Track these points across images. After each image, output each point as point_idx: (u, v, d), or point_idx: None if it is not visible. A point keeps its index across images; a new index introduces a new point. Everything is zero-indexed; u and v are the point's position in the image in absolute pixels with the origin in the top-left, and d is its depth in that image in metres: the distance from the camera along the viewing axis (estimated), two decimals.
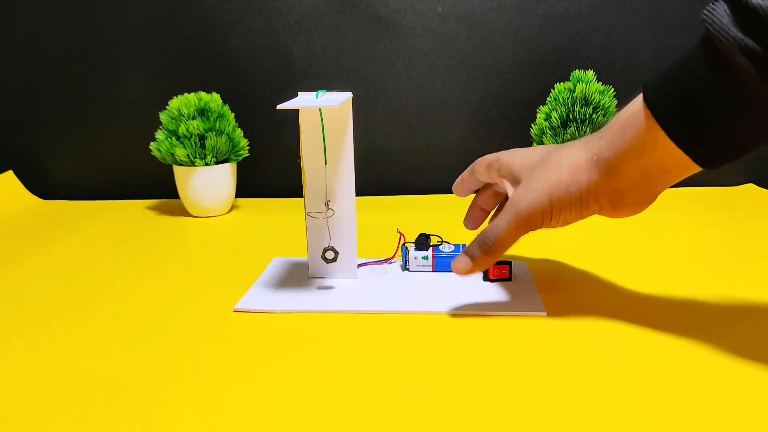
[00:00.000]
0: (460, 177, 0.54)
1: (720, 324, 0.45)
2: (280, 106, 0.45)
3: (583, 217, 0.44)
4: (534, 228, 0.44)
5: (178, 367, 0.40)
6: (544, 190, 0.43)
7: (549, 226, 0.45)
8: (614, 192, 0.42)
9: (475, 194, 0.55)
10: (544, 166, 0.44)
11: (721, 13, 0.35)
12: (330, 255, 0.53)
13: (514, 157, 0.47)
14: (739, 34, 0.34)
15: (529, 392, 0.36)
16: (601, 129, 0.43)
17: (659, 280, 0.54)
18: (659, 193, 0.42)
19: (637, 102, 0.40)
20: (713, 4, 0.36)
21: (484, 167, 0.51)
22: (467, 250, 0.47)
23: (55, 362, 0.41)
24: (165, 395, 0.37)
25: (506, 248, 0.45)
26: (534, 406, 0.35)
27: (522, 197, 0.44)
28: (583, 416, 0.34)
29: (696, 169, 0.39)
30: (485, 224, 0.57)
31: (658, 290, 0.52)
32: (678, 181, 0.41)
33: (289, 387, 0.37)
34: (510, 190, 0.47)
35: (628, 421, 0.33)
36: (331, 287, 0.53)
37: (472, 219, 0.56)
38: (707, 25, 0.35)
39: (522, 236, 0.45)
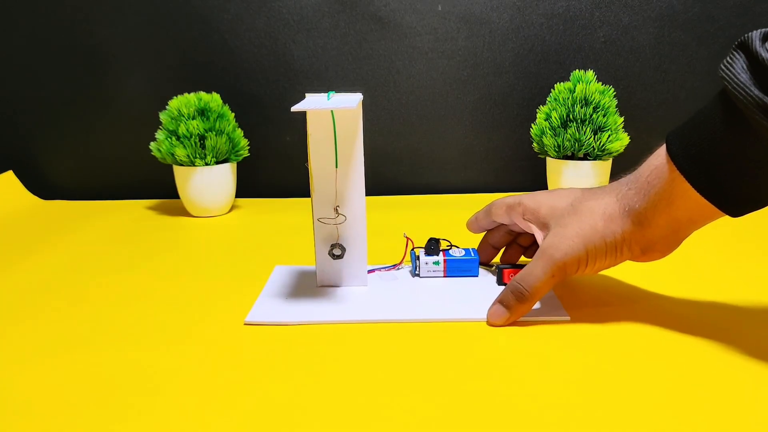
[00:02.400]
0: (474, 215, 0.56)
1: (744, 326, 0.45)
2: (294, 108, 0.43)
3: (615, 264, 0.45)
4: (569, 275, 0.45)
5: (177, 371, 0.40)
6: (579, 239, 0.43)
7: (583, 273, 0.45)
8: (646, 240, 0.43)
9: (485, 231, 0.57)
10: (576, 213, 0.45)
11: (738, 70, 0.35)
12: (337, 251, 0.51)
13: (540, 203, 0.48)
14: (757, 92, 0.34)
15: (556, 398, 0.36)
16: (627, 177, 0.44)
17: (681, 281, 0.53)
18: (685, 239, 0.43)
19: (661, 154, 0.41)
20: (732, 57, 0.36)
21: (503, 210, 0.52)
22: (501, 300, 0.46)
23: (56, 363, 0.41)
24: (163, 399, 0.37)
25: (542, 296, 0.45)
26: (563, 412, 0.34)
27: (556, 245, 0.44)
28: (610, 420, 0.33)
29: (722, 215, 0.40)
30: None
31: (680, 291, 0.51)
32: (704, 226, 0.42)
33: (304, 399, 0.37)
34: (539, 235, 0.48)
35: (655, 423, 0.33)
36: (342, 296, 0.51)
37: (482, 255, 0.57)
38: (725, 82, 0.36)
39: (557, 283, 0.45)
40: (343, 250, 0.51)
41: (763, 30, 0.36)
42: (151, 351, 0.43)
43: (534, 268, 0.45)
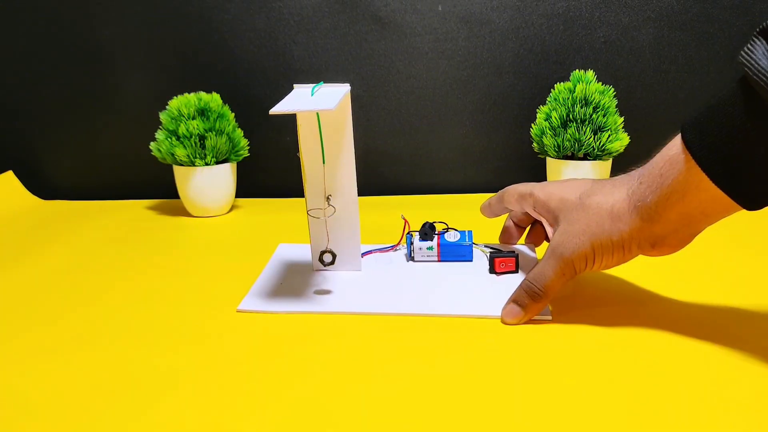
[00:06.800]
0: (488, 201, 0.56)
1: (749, 328, 0.44)
2: (272, 111, 0.43)
3: (625, 260, 0.44)
4: (579, 272, 0.45)
5: (180, 368, 0.40)
6: (586, 236, 0.43)
7: (592, 269, 0.45)
8: (655, 236, 0.42)
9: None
10: (584, 209, 0.44)
11: (759, 56, 0.34)
12: (328, 258, 0.52)
13: (550, 195, 0.48)
14: None
15: (532, 396, 0.36)
16: (639, 170, 0.43)
17: (665, 281, 0.53)
18: (698, 234, 0.42)
19: (676, 144, 0.40)
20: (752, 44, 0.35)
21: (514, 198, 0.52)
22: (516, 299, 0.46)
23: (56, 362, 0.41)
24: (167, 395, 0.37)
25: (555, 293, 0.46)
26: (538, 410, 0.35)
27: (565, 243, 0.44)
28: (587, 420, 0.33)
29: (737, 210, 0.38)
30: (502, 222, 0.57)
31: (664, 291, 0.51)
32: (717, 221, 0.41)
33: (293, 388, 0.37)
34: (549, 230, 0.48)
35: (633, 424, 0.33)
36: (334, 284, 0.52)
37: (508, 236, 0.57)
38: (745, 68, 0.35)
39: (569, 280, 0.45)
40: (334, 256, 0.52)
41: None
42: (150, 349, 0.43)
43: (545, 267, 0.45)
